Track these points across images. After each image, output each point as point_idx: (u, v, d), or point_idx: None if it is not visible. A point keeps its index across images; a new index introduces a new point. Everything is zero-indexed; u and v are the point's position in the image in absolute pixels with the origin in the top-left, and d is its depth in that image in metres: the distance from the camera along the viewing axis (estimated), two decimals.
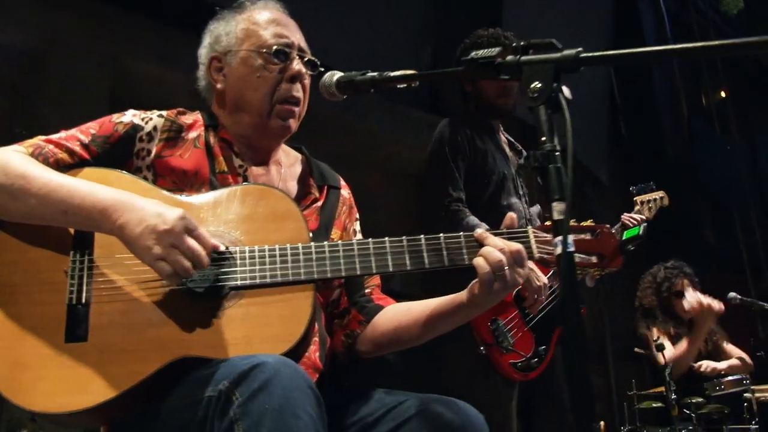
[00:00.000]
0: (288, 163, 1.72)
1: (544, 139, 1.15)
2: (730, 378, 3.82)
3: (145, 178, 1.49)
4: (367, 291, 1.64)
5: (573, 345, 1.08)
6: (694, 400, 3.72)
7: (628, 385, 4.16)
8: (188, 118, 1.61)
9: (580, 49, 1.18)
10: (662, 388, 3.68)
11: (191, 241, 1.26)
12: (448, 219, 2.68)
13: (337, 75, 1.54)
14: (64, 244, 1.38)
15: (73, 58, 3.28)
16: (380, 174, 4.96)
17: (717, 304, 3.86)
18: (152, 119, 1.56)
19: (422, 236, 1.42)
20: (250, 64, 1.60)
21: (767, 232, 8.21)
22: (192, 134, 1.58)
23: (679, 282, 4.20)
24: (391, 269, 1.40)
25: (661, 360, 3.70)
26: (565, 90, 1.20)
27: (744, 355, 4.23)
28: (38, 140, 1.47)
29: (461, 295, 1.46)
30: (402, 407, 1.39)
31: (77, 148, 1.48)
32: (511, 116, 3.05)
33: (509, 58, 1.23)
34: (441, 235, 1.43)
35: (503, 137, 3.04)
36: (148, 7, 3.57)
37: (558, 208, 1.11)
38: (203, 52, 1.72)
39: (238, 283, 1.34)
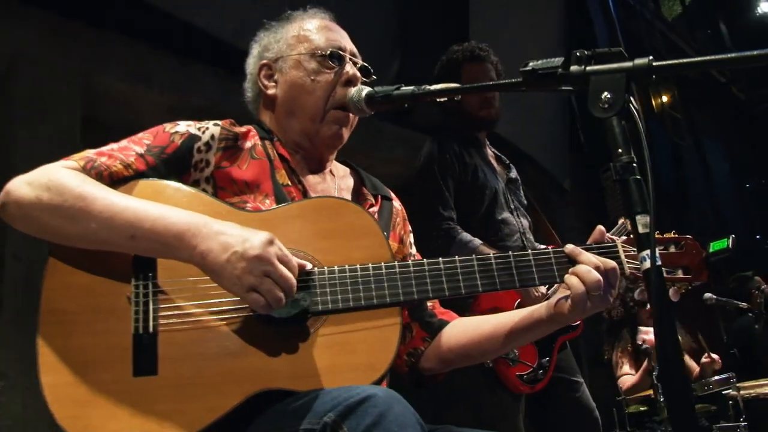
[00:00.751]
0: (339, 174, 1.66)
1: (620, 151, 1.11)
2: (716, 378, 3.90)
3: (205, 191, 1.39)
4: (429, 305, 1.58)
5: (670, 365, 1.04)
6: None
7: (601, 388, 4.23)
8: (242, 128, 1.54)
9: (651, 57, 1.15)
10: (650, 392, 3.74)
11: (282, 269, 1.17)
12: (441, 238, 2.67)
13: (366, 90, 1.51)
14: (122, 266, 1.27)
15: (42, 76, 3.10)
16: None
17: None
18: (209, 128, 1.47)
19: (510, 254, 1.36)
20: (304, 67, 1.56)
21: (720, 230, 8.49)
22: (248, 144, 1.51)
23: (641, 291, 4.31)
24: (480, 289, 1.34)
25: (622, 373, 3.91)
26: (634, 100, 1.16)
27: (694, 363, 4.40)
28: (89, 153, 1.36)
29: (539, 310, 1.41)
30: None
31: (132, 159, 1.37)
32: (493, 127, 3.04)
33: (574, 68, 1.18)
34: (529, 252, 1.37)
35: (490, 151, 3.03)
36: (119, 23, 3.44)
37: (642, 222, 1.07)
38: (251, 62, 1.67)
39: (320, 308, 1.25)
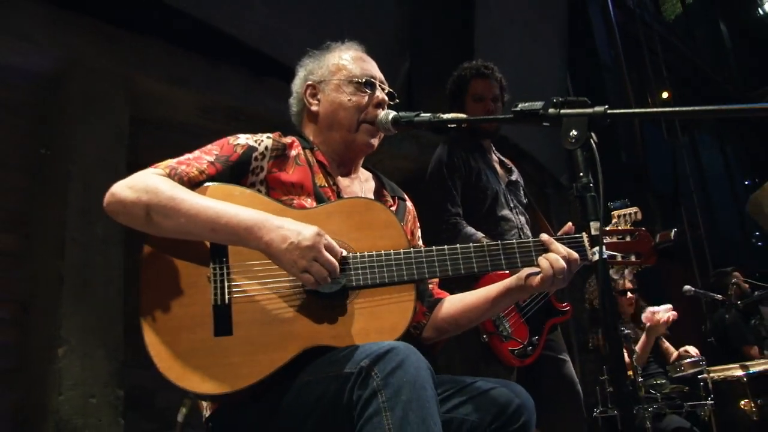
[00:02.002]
0: (364, 178, 2.04)
1: (581, 174, 1.50)
2: (688, 360, 4.29)
3: (259, 191, 1.75)
4: (429, 287, 1.97)
5: (612, 335, 1.44)
6: (657, 381, 4.18)
7: (591, 372, 4.59)
8: (287, 139, 1.90)
9: (606, 106, 1.53)
10: (630, 372, 4.12)
11: (327, 255, 1.55)
12: (448, 231, 3.03)
13: (392, 114, 1.90)
14: (202, 254, 1.63)
15: (90, 78, 3.45)
16: None
17: (671, 315, 4.40)
18: (263, 141, 1.83)
19: (499, 242, 1.75)
20: (342, 90, 1.94)
21: (711, 227, 8.85)
22: (293, 152, 1.87)
23: (620, 282, 4.75)
24: (476, 269, 1.72)
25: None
26: (594, 136, 1.55)
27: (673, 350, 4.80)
28: (170, 162, 1.72)
29: (510, 282, 1.81)
30: (474, 386, 1.71)
31: (205, 166, 1.72)
32: (496, 137, 3.43)
33: (551, 110, 1.57)
34: (514, 241, 1.76)
35: (494, 156, 3.40)
36: (157, 28, 3.79)
37: (595, 226, 1.46)
38: (298, 83, 2.04)
39: (354, 284, 1.63)
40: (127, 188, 1.62)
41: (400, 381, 1.37)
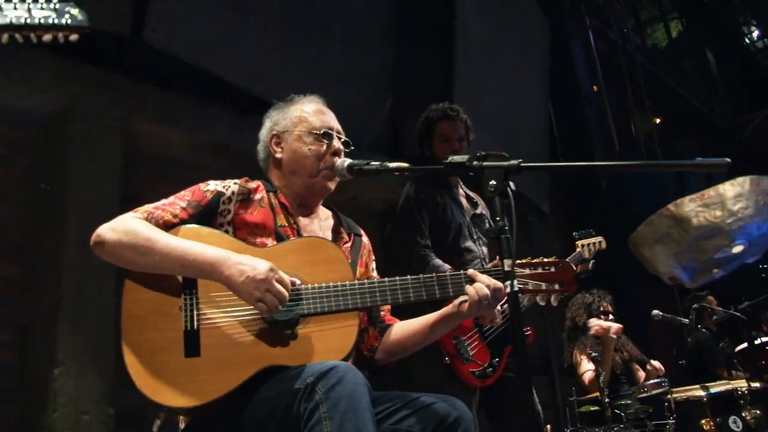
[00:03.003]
0: (323, 217, 2.30)
1: (498, 218, 1.76)
2: (652, 381, 4.51)
3: (227, 231, 2.02)
4: (381, 314, 2.22)
5: (521, 356, 1.70)
6: (623, 402, 4.40)
7: (570, 393, 4.81)
8: (253, 184, 2.16)
9: (520, 159, 1.80)
10: (597, 393, 4.33)
11: (278, 286, 1.81)
12: (417, 262, 3.26)
13: (347, 161, 2.18)
14: (175, 286, 1.89)
15: (89, 120, 3.74)
16: (347, 213, 5.51)
17: (615, 326, 4.65)
18: (230, 186, 2.10)
19: (434, 275, 2.01)
20: (303, 140, 2.20)
21: None
22: (257, 196, 2.13)
23: (604, 304, 5.01)
24: (412, 299, 1.99)
25: (584, 371, 4.50)
26: (512, 184, 1.81)
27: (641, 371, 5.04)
28: (148, 207, 1.98)
29: (448, 309, 2.07)
30: (418, 400, 1.95)
31: (178, 211, 1.99)
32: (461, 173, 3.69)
33: (475, 163, 1.84)
34: (447, 273, 2.02)
35: (461, 191, 3.66)
36: (152, 74, 4.10)
37: (507, 263, 1.73)
38: (264, 132, 2.30)
39: (305, 311, 1.90)
40: (110, 230, 1.90)
41: (339, 395, 1.63)
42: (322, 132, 2.21)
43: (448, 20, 6.13)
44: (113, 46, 3.88)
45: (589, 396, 4.60)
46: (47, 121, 3.80)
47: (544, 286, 2.10)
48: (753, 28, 17.26)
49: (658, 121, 10.40)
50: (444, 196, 3.48)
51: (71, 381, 3.24)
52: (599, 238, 3.87)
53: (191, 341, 1.84)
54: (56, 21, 1.53)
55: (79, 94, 3.73)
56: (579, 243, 3.85)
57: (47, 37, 1.57)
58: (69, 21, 1.54)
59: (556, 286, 2.11)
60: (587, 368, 4.76)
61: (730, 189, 2.12)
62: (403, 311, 2.29)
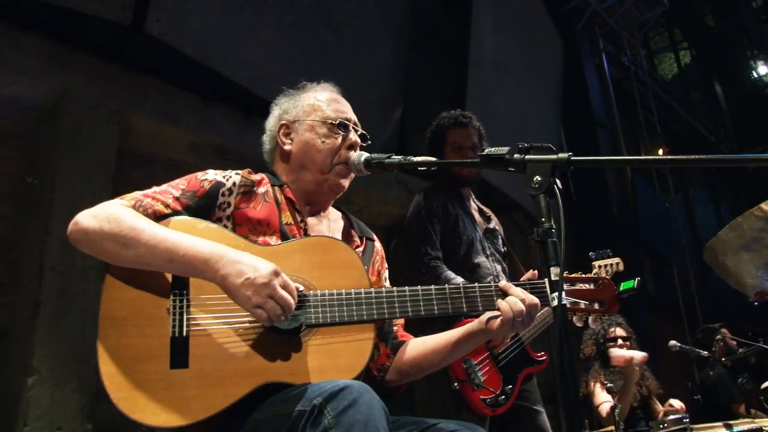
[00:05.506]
0: (333, 218, 2.04)
1: (543, 219, 1.51)
2: (672, 417, 4.23)
3: (225, 227, 1.76)
4: (394, 329, 1.96)
5: (566, 380, 1.43)
6: None
7: (583, 425, 4.52)
8: (256, 176, 1.91)
9: (571, 153, 1.56)
10: (612, 427, 4.06)
11: (282, 292, 1.54)
12: (428, 273, 3.03)
13: (365, 155, 1.92)
14: (163, 285, 1.63)
15: (83, 112, 3.50)
16: None
17: (638, 356, 4.36)
18: (231, 177, 1.85)
19: (461, 285, 1.76)
20: (316, 131, 1.95)
21: (702, 282, 8.83)
22: (261, 189, 1.88)
23: (612, 330, 4.72)
24: (436, 312, 1.73)
25: (600, 402, 4.20)
26: (558, 182, 1.56)
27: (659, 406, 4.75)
28: (137, 194, 1.73)
29: (473, 326, 1.81)
30: (435, 427, 1.69)
31: (170, 201, 1.73)
32: (474, 185, 3.46)
33: (516, 156, 1.60)
34: (476, 285, 1.76)
35: (473, 204, 3.43)
36: (153, 67, 3.87)
37: (555, 271, 1.46)
38: (272, 121, 2.06)
39: (313, 321, 1.64)
40: (90, 217, 1.63)
41: (352, 420, 1.36)
42: (337, 122, 1.97)
43: (463, 33, 5.94)
44: (113, 35, 3.64)
45: (602, 431, 4.31)
46: (37, 111, 3.56)
47: (583, 304, 1.85)
48: (760, 62, 17.33)
49: (661, 151, 10.23)
50: (456, 208, 3.27)
51: (47, 391, 2.95)
52: (617, 259, 3.64)
53: (179, 350, 1.58)
54: None
55: (74, 84, 3.49)
56: (595, 264, 3.62)
57: None
58: None
59: (596, 306, 1.86)
60: (604, 399, 4.48)
61: None
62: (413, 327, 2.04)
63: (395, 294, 1.72)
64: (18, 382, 3.00)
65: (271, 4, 4.40)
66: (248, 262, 1.57)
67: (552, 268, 1.47)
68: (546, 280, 1.80)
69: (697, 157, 1.57)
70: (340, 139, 1.96)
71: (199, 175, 1.85)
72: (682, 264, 8.87)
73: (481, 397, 2.95)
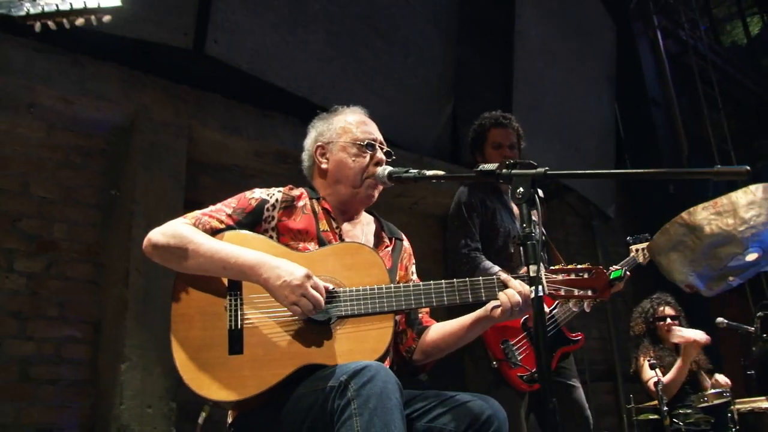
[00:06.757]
0: (366, 222, 2.38)
1: (524, 224, 1.80)
2: (713, 391, 4.37)
3: (271, 237, 2.13)
4: (420, 316, 2.29)
5: (542, 354, 1.73)
6: (682, 411, 4.29)
7: (636, 400, 4.70)
8: (296, 192, 2.26)
9: (547, 168, 1.84)
10: (656, 402, 4.24)
11: (313, 291, 1.90)
12: (468, 264, 3.32)
13: (388, 169, 2.24)
14: (221, 288, 2.01)
15: (156, 129, 3.95)
16: (409, 217, 5.61)
17: (701, 339, 4.49)
18: (275, 194, 2.21)
19: (467, 279, 2.06)
20: (348, 151, 2.29)
21: None
22: (300, 203, 2.23)
23: (661, 309, 4.88)
24: (446, 303, 2.04)
25: (646, 377, 4.35)
26: (540, 192, 1.84)
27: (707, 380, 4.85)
28: (197, 213, 2.11)
29: (479, 313, 2.12)
30: (453, 398, 2.00)
31: (224, 217, 2.11)
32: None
33: (504, 170, 1.89)
34: (480, 278, 2.07)
35: None
36: (215, 84, 4.30)
37: (533, 269, 1.76)
38: (309, 142, 2.40)
39: (343, 313, 1.98)
40: (160, 234, 2.03)
41: (369, 392, 1.70)
42: (365, 143, 2.29)
43: (508, 25, 6.12)
44: (178, 58, 4.09)
45: (647, 404, 4.51)
46: (117, 130, 4.05)
47: (576, 292, 2.11)
48: None
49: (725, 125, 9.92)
50: (494, 202, 3.52)
51: (138, 375, 3.44)
52: None
53: (235, 339, 1.96)
54: (87, 5, 1.60)
55: (146, 105, 3.95)
56: (633, 248, 3.79)
57: (80, 21, 1.64)
58: (100, 3, 1.61)
59: (589, 293, 2.12)
60: (651, 375, 4.63)
61: (742, 197, 2.08)
62: (442, 313, 2.34)
63: (411, 288, 2.04)
64: (113, 367, 3.51)
65: (321, 18, 4.74)
66: (285, 267, 1.93)
67: (531, 266, 1.76)
68: (543, 271, 2.08)
69: (656, 171, 1.83)
70: (368, 158, 2.28)
71: (248, 194, 2.21)
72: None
73: (518, 374, 3.20)
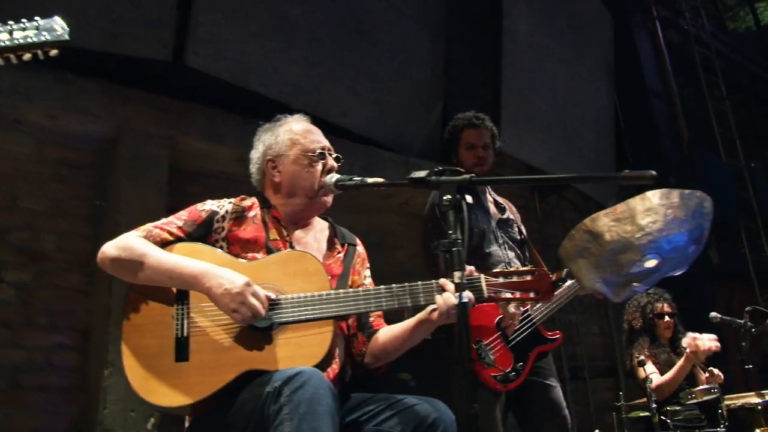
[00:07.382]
0: (319, 228, 2.44)
1: (450, 231, 1.85)
2: (700, 388, 4.35)
3: (221, 248, 2.20)
4: (371, 320, 2.34)
5: (462, 363, 1.77)
6: (670, 408, 4.27)
7: (627, 397, 4.70)
8: (248, 202, 2.34)
9: (473, 174, 1.88)
10: (645, 399, 4.22)
11: (252, 299, 1.97)
12: (435, 264, 3.34)
13: (335, 177, 2.30)
14: (169, 297, 2.10)
15: (138, 141, 4.04)
16: (398, 217, 5.64)
17: (712, 346, 4.41)
18: (225, 206, 2.29)
19: (406, 284, 2.11)
20: (300, 163, 2.34)
21: None
22: (251, 213, 2.31)
23: (659, 305, 4.86)
24: (384, 308, 2.11)
25: (642, 375, 4.32)
26: (468, 198, 1.89)
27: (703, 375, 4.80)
28: (149, 226, 2.20)
29: (420, 316, 2.17)
30: (401, 402, 2.07)
31: (174, 230, 2.19)
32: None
33: (433, 178, 1.94)
34: (419, 283, 2.11)
35: (490, 197, 3.72)
36: (198, 94, 4.38)
37: (458, 275, 1.81)
38: (257, 156, 2.45)
39: (283, 319, 2.05)
40: (112, 247, 2.13)
41: (300, 398, 1.77)
42: (317, 153, 2.35)
43: (496, 23, 6.12)
44: (159, 70, 4.17)
45: (636, 402, 4.50)
46: (102, 143, 4.14)
47: (518, 294, 2.15)
48: None
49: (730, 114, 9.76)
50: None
51: (121, 381, 3.52)
52: None
53: (182, 347, 2.04)
54: (34, 39, 1.68)
55: (129, 117, 4.05)
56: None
57: (27, 57, 1.73)
58: (47, 37, 1.69)
59: (532, 294, 2.16)
60: (650, 371, 4.59)
61: (640, 203, 2.08)
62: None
63: (351, 294, 2.10)
64: (98, 373, 3.61)
65: (302, 23, 4.79)
66: (227, 276, 2.00)
67: (456, 273, 1.81)
68: (482, 276, 2.14)
69: (561, 176, 1.86)
70: (320, 166, 2.34)
71: (199, 206, 2.29)
72: (754, 230, 8.63)
73: (492, 374, 3.24)
